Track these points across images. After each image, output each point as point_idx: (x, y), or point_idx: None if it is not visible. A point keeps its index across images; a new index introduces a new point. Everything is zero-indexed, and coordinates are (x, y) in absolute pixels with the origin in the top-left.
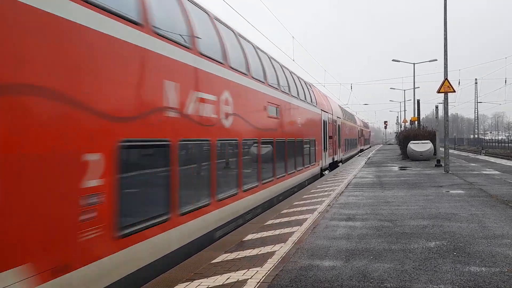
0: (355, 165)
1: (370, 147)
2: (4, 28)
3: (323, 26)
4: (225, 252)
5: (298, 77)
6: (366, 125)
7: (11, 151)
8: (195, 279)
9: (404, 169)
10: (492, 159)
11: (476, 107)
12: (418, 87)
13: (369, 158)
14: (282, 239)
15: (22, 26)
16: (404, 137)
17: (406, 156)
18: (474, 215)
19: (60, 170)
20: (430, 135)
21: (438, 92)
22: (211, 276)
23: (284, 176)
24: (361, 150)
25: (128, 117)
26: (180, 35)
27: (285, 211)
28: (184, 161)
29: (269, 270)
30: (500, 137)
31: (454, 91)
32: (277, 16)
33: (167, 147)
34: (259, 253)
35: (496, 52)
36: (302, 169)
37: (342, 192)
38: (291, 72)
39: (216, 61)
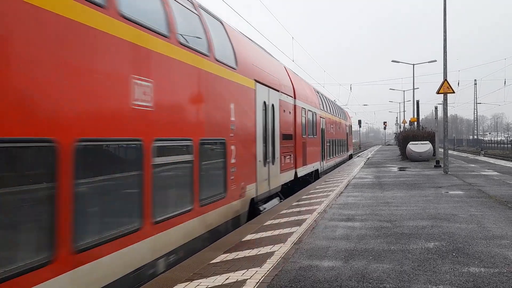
0: (355, 165)
1: (350, 157)
2: None
3: (322, 26)
4: (224, 252)
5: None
6: (337, 109)
7: None
8: (194, 279)
9: (403, 170)
10: (492, 160)
11: (475, 108)
12: (418, 88)
13: (368, 158)
14: (281, 239)
15: None
16: (404, 138)
17: (405, 156)
18: (473, 216)
19: None
20: (429, 136)
21: (438, 93)
22: (210, 276)
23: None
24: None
25: None
26: None
27: (284, 211)
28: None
29: (268, 270)
30: (499, 138)
31: (454, 92)
32: (277, 16)
33: None
34: (258, 253)
35: (495, 53)
36: None
37: (342, 192)
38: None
39: None
